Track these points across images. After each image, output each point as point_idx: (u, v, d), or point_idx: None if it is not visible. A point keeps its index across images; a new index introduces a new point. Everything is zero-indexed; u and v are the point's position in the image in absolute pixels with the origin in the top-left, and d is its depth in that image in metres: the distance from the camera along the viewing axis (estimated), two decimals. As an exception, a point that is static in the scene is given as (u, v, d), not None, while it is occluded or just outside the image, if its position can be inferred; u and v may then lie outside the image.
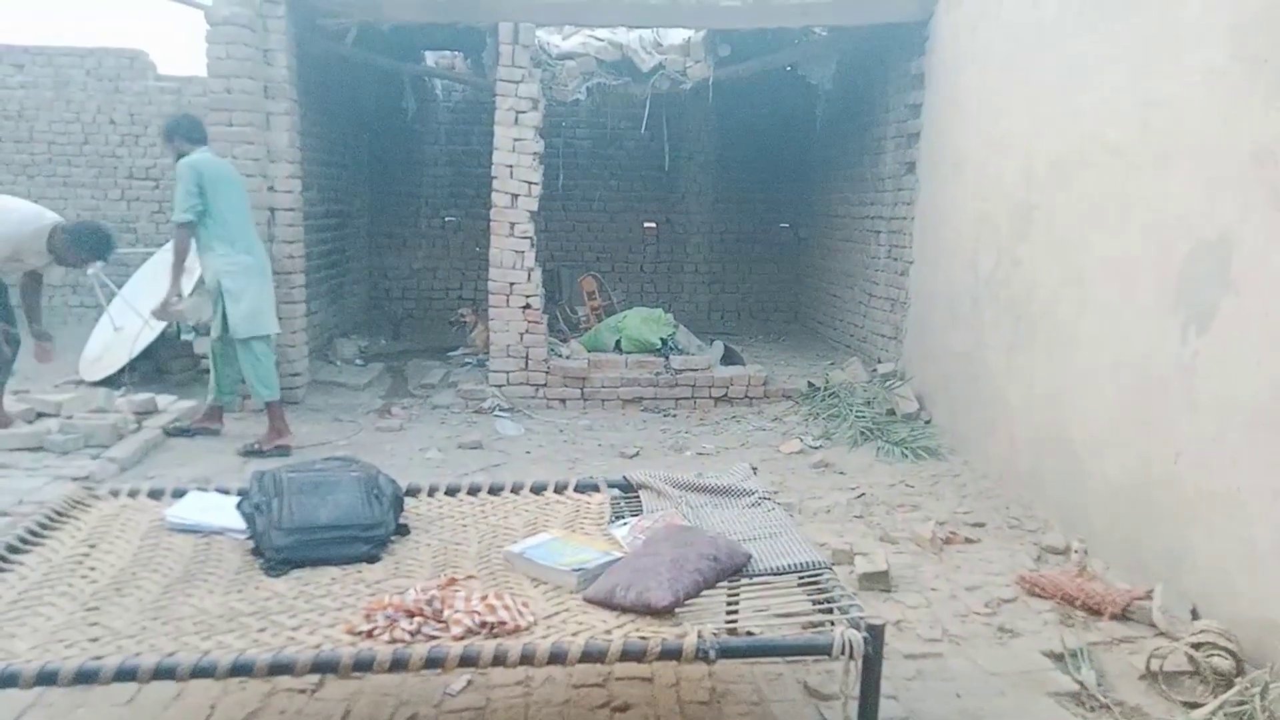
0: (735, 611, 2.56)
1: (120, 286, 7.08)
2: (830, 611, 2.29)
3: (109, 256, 5.10)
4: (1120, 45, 3.86)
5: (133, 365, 6.37)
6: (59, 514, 2.63)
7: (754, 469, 3.25)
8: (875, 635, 2.09)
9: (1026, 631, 3.14)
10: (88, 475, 4.54)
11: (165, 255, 7.17)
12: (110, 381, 6.29)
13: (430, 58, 8.54)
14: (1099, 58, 4.01)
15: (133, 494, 2.88)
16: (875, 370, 6.53)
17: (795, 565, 2.45)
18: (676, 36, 6.55)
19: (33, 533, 2.48)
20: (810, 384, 6.54)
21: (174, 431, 5.42)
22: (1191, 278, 3.32)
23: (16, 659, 1.86)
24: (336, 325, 8.04)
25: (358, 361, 7.40)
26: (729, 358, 7.00)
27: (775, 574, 2.46)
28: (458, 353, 7.75)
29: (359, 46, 6.52)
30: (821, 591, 2.36)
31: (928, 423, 5.70)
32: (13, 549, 2.37)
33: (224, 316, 5.21)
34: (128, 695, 2.55)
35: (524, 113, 6.12)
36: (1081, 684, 2.78)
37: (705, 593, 2.34)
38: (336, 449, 5.36)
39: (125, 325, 6.62)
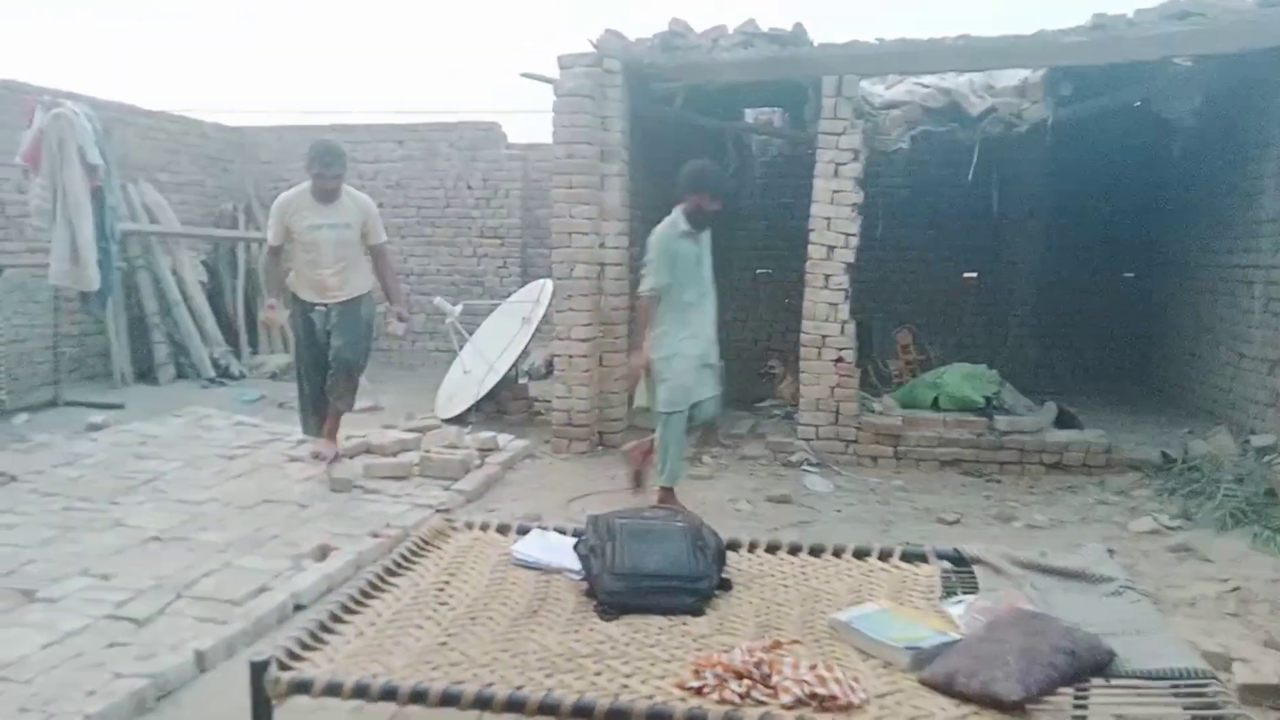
0: (1083, 714, 2.27)
1: (471, 334, 7.89)
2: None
3: (334, 166, 5.35)
4: None
5: (478, 406, 7.05)
6: (426, 542, 2.92)
7: (1110, 551, 2.90)
8: (1287, 771, 1.74)
9: None
10: (440, 505, 5.05)
11: (510, 307, 7.92)
12: (459, 420, 7.01)
13: (749, 115, 8.76)
14: None
15: (484, 528, 3.14)
16: (1248, 442, 5.64)
17: (1172, 671, 2.12)
18: (1011, 78, 6.19)
19: (405, 558, 2.77)
20: (1165, 455, 5.79)
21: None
22: None
23: (394, 675, 2.06)
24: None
25: (672, 409, 7.64)
26: (1063, 420, 6.38)
27: (1145, 678, 2.14)
28: (766, 404, 7.76)
29: (685, 109, 6.83)
30: (1208, 707, 2.01)
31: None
32: (390, 571, 2.66)
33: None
34: (474, 717, 2.75)
35: (844, 164, 6.07)
36: None
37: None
38: (653, 493, 5.54)
39: (473, 369, 7.36)
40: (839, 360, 6.32)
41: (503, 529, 3.12)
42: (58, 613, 3.47)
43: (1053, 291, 9.17)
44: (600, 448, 6.62)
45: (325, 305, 5.56)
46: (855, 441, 6.34)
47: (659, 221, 4.83)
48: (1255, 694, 2.96)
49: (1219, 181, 6.81)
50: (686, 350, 4.89)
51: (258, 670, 2.03)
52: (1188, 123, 6.26)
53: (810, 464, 6.22)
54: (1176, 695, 2.12)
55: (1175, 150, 6.74)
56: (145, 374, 8.64)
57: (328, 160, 5.31)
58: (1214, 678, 2.11)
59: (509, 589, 2.66)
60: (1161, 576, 4.19)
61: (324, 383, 5.62)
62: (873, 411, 6.46)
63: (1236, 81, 6.10)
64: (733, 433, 7.03)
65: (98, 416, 6.83)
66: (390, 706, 2.34)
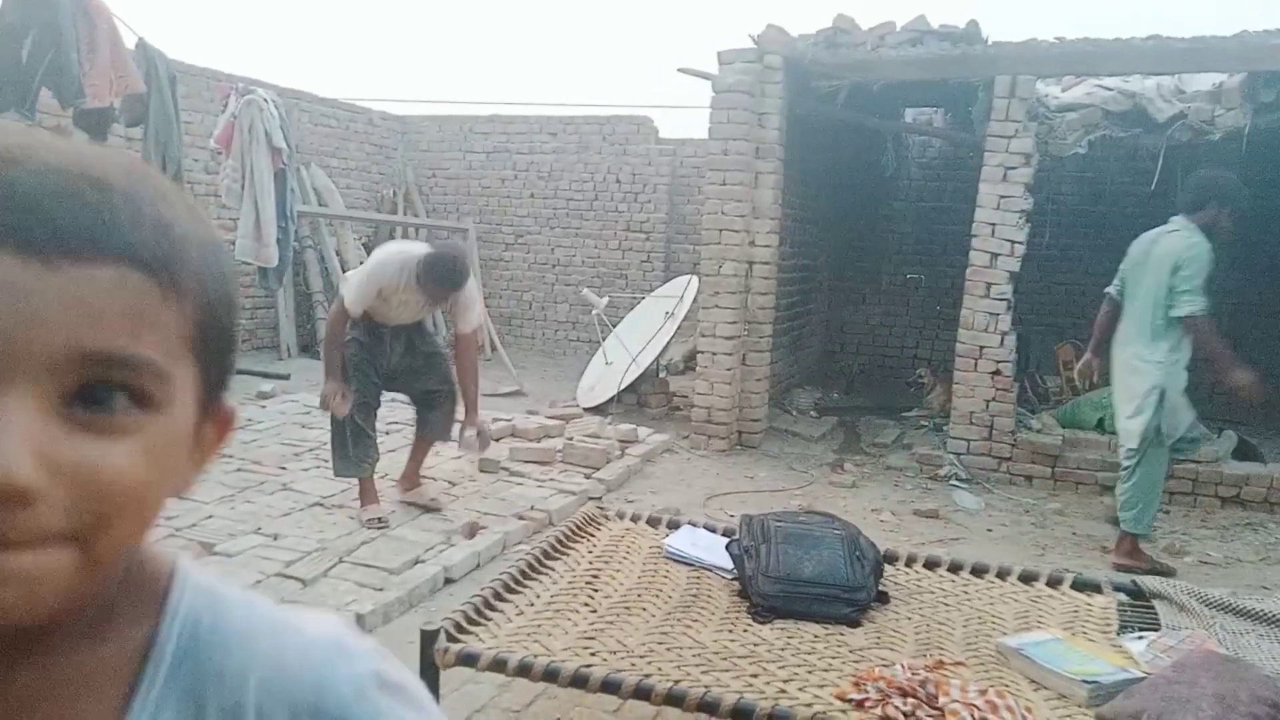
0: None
1: (615, 326, 7.98)
2: None
3: (459, 284, 4.17)
4: None
5: (619, 397, 7.13)
6: (579, 528, 2.96)
7: (1312, 598, 2.65)
8: None
9: None
10: (586, 493, 5.12)
11: (654, 301, 7.98)
12: (600, 410, 7.10)
13: (909, 115, 8.50)
14: None
15: (634, 519, 3.16)
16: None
17: (1394, 737, 1.92)
18: (1204, 82, 5.75)
19: (560, 542, 2.82)
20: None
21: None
22: None
23: (556, 657, 2.09)
24: (793, 375, 8.26)
25: (812, 413, 7.52)
26: (1243, 451, 5.91)
27: (1360, 742, 1.94)
28: (913, 414, 7.53)
29: (846, 106, 6.68)
30: None
31: None
32: (547, 555, 2.71)
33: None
34: (615, 705, 2.77)
35: (1013, 169, 5.79)
36: None
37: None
38: (792, 497, 5.47)
39: (615, 360, 7.44)
40: (996, 373, 6.05)
41: (653, 521, 3.13)
42: (234, 566, 3.71)
43: (1238, 309, 8.49)
44: (739, 446, 6.57)
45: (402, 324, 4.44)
46: (1009, 459, 6.06)
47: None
48: None
49: None
50: (1183, 379, 4.56)
51: (428, 639, 2.10)
52: None
53: (959, 479, 5.98)
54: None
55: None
56: (308, 347, 9.14)
57: (455, 280, 4.13)
58: None
59: (661, 581, 2.67)
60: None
61: (373, 417, 4.53)
62: (1030, 429, 6.15)
63: None
64: (877, 441, 6.86)
65: (267, 385, 7.27)
66: (538, 685, 2.38)
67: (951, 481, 5.94)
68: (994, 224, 5.88)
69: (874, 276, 9.63)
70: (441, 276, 4.09)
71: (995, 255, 5.94)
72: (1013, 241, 5.87)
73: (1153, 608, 2.62)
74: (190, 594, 0.54)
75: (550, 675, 2.01)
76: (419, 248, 4.31)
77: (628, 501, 5.16)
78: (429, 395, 4.63)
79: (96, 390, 0.43)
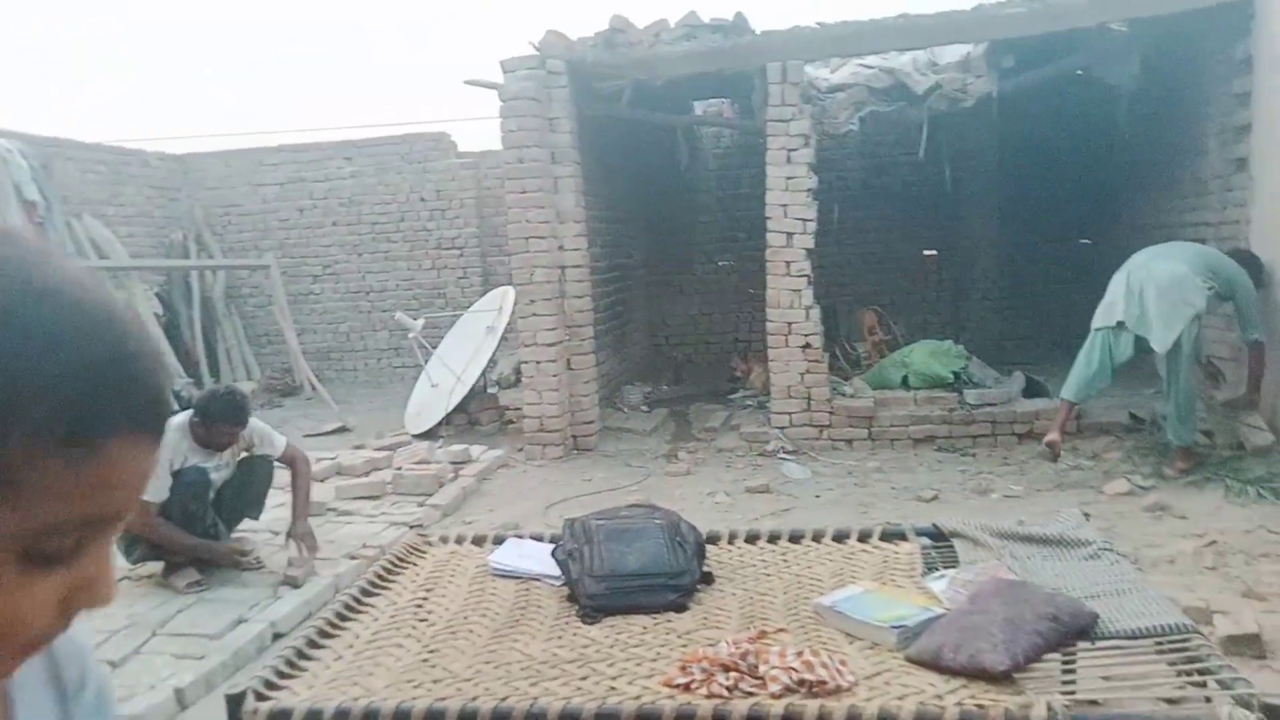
0: (1072, 679, 2.27)
1: (436, 347, 7.81)
2: (1204, 685, 1.96)
3: (241, 415, 4.01)
4: None
5: (448, 419, 6.98)
6: (400, 560, 2.86)
7: (1086, 514, 2.91)
8: (1273, 717, 1.74)
9: None
10: (415, 522, 4.98)
11: (474, 316, 7.86)
12: (430, 434, 6.93)
13: (698, 108, 8.76)
14: None
15: (459, 540, 3.09)
16: (1213, 398, 5.72)
17: (1155, 628, 2.13)
18: (954, 53, 6.23)
19: (380, 577, 2.72)
20: (1133, 416, 5.85)
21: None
22: None
23: (376, 696, 2.01)
24: (622, 373, 8.35)
25: (643, 408, 7.63)
26: (1032, 389, 6.44)
27: (1129, 637, 2.15)
28: (738, 395, 7.76)
29: (633, 105, 6.81)
30: (1191, 660, 2.02)
31: (1287, 457, 4.89)
32: (366, 592, 2.61)
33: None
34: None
35: (795, 150, 6.07)
36: None
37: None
38: (628, 494, 5.52)
39: (441, 382, 7.28)
40: (807, 346, 6.33)
41: (478, 540, 3.07)
42: (27, 663, 3.37)
43: (1012, 263, 9.27)
44: (575, 451, 6.58)
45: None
46: (829, 426, 6.36)
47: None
48: (1237, 644, 2.99)
49: (1164, 142, 6.91)
50: None
51: (234, 703, 1.98)
52: (1129, 87, 6.33)
53: (786, 452, 6.22)
54: (1161, 652, 2.13)
55: (1120, 115, 6.82)
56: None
57: (235, 410, 3.98)
58: (1197, 632, 2.12)
59: (489, 600, 2.62)
60: (1139, 536, 4.23)
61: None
62: (844, 395, 6.48)
63: (1173, 43, 6.18)
64: (707, 426, 7.02)
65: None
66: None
67: (779, 455, 6.17)
68: (785, 205, 6.15)
69: (688, 267, 9.89)
70: (221, 412, 3.95)
71: (790, 234, 6.21)
72: (804, 220, 6.15)
73: (953, 547, 2.80)
74: None
75: (370, 718, 1.93)
76: (186, 412, 4.09)
77: (465, 523, 5.06)
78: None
79: None
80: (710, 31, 6.03)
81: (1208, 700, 1.91)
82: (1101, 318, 5.11)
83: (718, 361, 9.31)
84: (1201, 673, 1.98)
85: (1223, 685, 1.89)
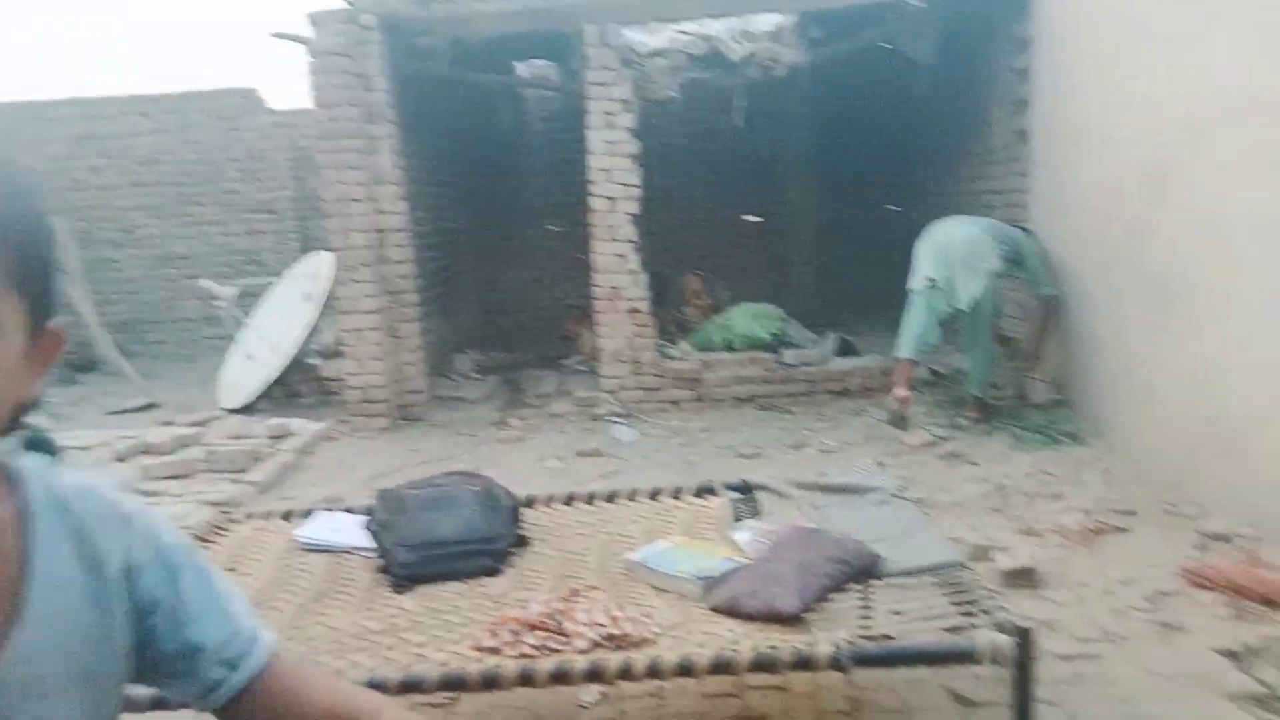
0: (869, 616, 2.44)
1: (252, 315, 7.41)
2: (973, 614, 2.15)
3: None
4: (1257, -18, 3.54)
5: (267, 392, 6.66)
6: (201, 539, 2.72)
7: (880, 464, 3.11)
8: (1025, 638, 1.94)
9: (1194, 628, 2.89)
10: (229, 500, 4.74)
11: (291, 283, 7.50)
12: (246, 409, 6.59)
13: (522, 69, 8.63)
14: (1220, 2, 3.69)
15: (266, 516, 2.97)
16: (1003, 352, 6.22)
17: (930, 565, 2.32)
18: (766, 23, 6.41)
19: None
20: (933, 371, 6.28)
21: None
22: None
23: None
24: (452, 340, 8.20)
25: (474, 375, 7.53)
26: (845, 349, 6.80)
27: (909, 575, 2.33)
28: (570, 360, 7.79)
29: (453, 64, 6.63)
30: (962, 592, 2.22)
31: (1064, 407, 5.39)
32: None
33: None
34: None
35: (616, 115, 6.10)
36: (1266, 685, 2.53)
37: (837, 597, 2.24)
38: (458, 462, 5.45)
39: (257, 354, 6.92)
40: (634, 310, 6.41)
41: (287, 515, 2.97)
42: None
43: (830, 228, 9.69)
44: (403, 421, 6.43)
45: None
46: (657, 389, 6.49)
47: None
48: (1013, 577, 3.28)
49: (960, 114, 7.38)
50: None
51: None
52: (928, 60, 6.71)
53: (616, 415, 6.30)
54: (938, 586, 2.32)
55: (919, 87, 7.22)
56: None
57: None
58: (966, 567, 2.32)
59: (296, 575, 2.54)
60: (935, 482, 4.55)
61: None
62: (671, 358, 6.61)
63: (967, 20, 6.58)
64: (540, 392, 7.02)
65: None
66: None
67: (610, 418, 6.25)
68: (607, 169, 6.18)
69: (519, 233, 9.79)
70: None
71: (614, 200, 6.25)
72: (627, 185, 6.20)
73: (758, 499, 2.94)
74: (36, 476, 0.73)
75: (159, 704, 1.84)
76: None
77: (285, 499, 4.85)
78: None
79: None
80: (529, -8, 5.94)
81: (975, 627, 2.10)
82: (914, 280, 5.45)
83: (550, 328, 9.30)
84: (971, 603, 2.17)
85: (986, 613, 2.08)
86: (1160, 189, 4.28)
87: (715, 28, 6.40)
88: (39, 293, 0.61)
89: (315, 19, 5.83)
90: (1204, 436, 3.94)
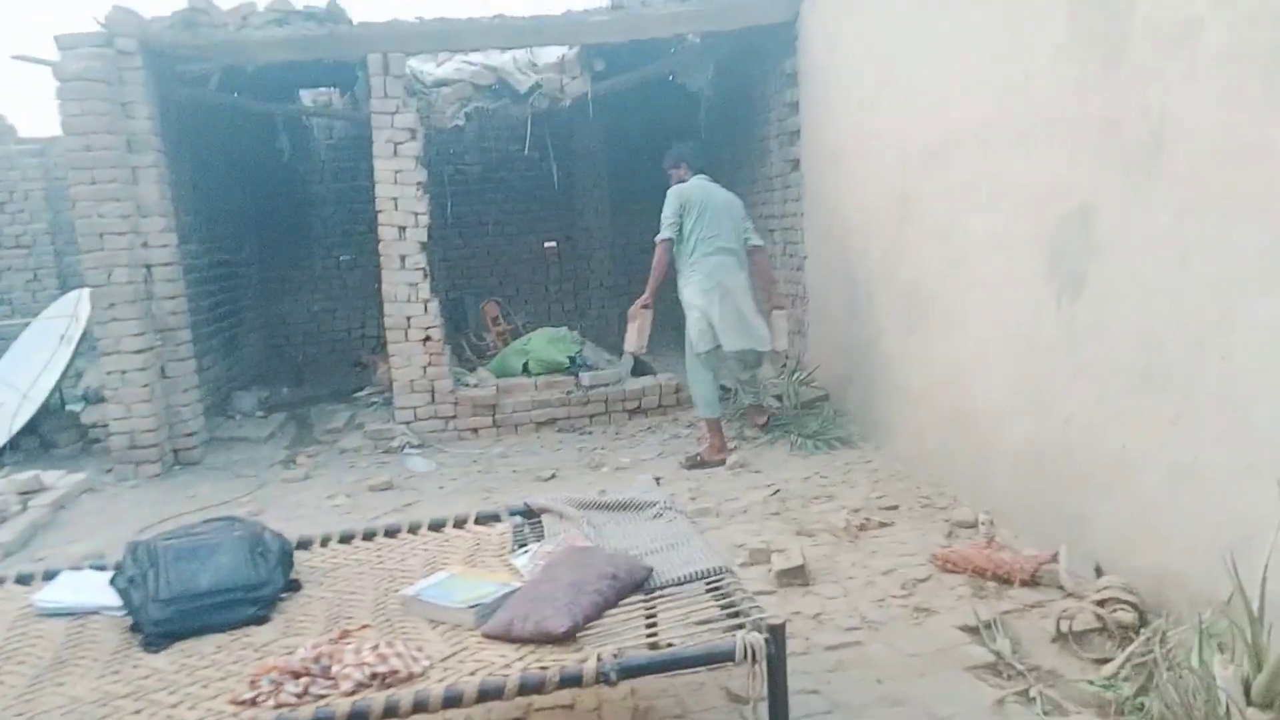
0: (645, 627, 2.52)
1: (-6, 361, 6.72)
2: (738, 616, 2.26)
3: None
4: (973, 30, 3.97)
5: (14, 443, 6.04)
6: (-88, 615, 2.44)
7: (657, 480, 3.22)
8: (776, 635, 2.07)
9: (942, 609, 3.17)
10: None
11: (46, 324, 6.86)
12: (-10, 463, 5.96)
13: (306, 96, 8.34)
14: (956, 44, 4.12)
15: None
16: (784, 365, 6.58)
17: (696, 574, 2.42)
18: (551, 55, 6.53)
19: (-119, 639, 2.30)
20: (722, 386, 6.54)
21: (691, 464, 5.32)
22: (1061, 248, 3.42)
23: None
24: (234, 378, 7.76)
25: (258, 414, 7.15)
26: (639, 369, 6.98)
27: (678, 584, 2.42)
28: (364, 393, 7.55)
29: (230, 89, 6.33)
30: (725, 596, 2.33)
31: (838, 413, 5.76)
32: None
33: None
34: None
35: (402, 143, 6.01)
36: (998, 654, 2.81)
37: (615, 611, 2.30)
38: (239, 506, 5.16)
39: (4, 401, 6.28)
40: (427, 339, 6.31)
41: (24, 579, 2.71)
42: None
43: (624, 252, 9.93)
44: (177, 466, 6.00)
45: None
46: (454, 417, 6.40)
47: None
48: (788, 576, 3.47)
49: (739, 143, 7.79)
50: None
51: None
52: (707, 93, 7.05)
53: (412, 446, 6.17)
54: (708, 592, 2.42)
55: (701, 117, 7.56)
56: None
57: None
58: (730, 572, 2.44)
59: (31, 644, 2.32)
60: (723, 492, 4.76)
61: None
62: (468, 385, 6.55)
63: (742, 54, 6.98)
64: (330, 428, 6.76)
65: None
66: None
67: (405, 450, 6.10)
68: (395, 198, 6.08)
69: (306, 263, 9.43)
70: None
71: (403, 228, 6.15)
72: (416, 213, 6.12)
73: (541, 523, 2.97)
74: None
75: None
76: None
77: (37, 560, 4.41)
78: None
79: None
80: (304, 19, 5.76)
81: (740, 628, 2.21)
82: (703, 342, 5.38)
83: (343, 360, 9.00)
84: (733, 606, 2.29)
85: (744, 615, 2.20)
86: (908, 209, 4.70)
87: (502, 58, 6.45)
88: None
89: (62, 42, 5.39)
90: (953, 433, 4.33)
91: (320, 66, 6.39)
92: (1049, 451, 3.54)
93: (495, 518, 3.02)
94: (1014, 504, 3.79)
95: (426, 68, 6.46)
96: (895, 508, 4.25)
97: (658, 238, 5.39)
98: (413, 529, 2.98)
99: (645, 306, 5.50)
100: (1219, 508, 2.67)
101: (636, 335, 5.54)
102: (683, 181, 5.50)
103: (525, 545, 2.79)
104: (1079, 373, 3.34)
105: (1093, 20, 3.17)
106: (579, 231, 9.81)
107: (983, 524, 3.78)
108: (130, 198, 5.68)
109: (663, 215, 5.37)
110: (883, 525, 4.02)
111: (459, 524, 2.99)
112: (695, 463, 5.29)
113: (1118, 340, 3.11)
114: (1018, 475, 3.77)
